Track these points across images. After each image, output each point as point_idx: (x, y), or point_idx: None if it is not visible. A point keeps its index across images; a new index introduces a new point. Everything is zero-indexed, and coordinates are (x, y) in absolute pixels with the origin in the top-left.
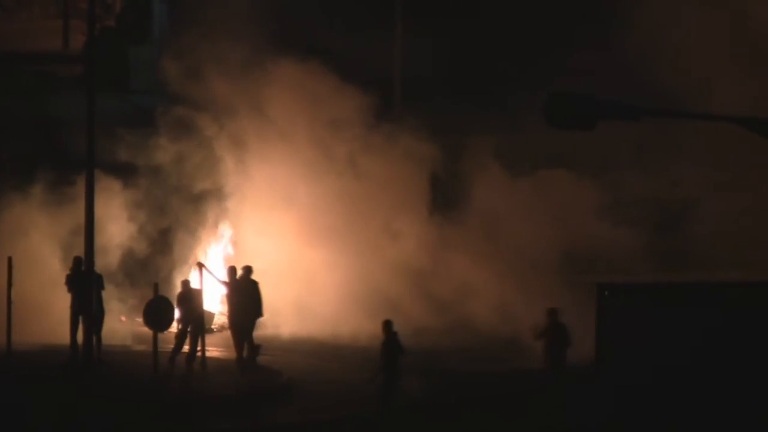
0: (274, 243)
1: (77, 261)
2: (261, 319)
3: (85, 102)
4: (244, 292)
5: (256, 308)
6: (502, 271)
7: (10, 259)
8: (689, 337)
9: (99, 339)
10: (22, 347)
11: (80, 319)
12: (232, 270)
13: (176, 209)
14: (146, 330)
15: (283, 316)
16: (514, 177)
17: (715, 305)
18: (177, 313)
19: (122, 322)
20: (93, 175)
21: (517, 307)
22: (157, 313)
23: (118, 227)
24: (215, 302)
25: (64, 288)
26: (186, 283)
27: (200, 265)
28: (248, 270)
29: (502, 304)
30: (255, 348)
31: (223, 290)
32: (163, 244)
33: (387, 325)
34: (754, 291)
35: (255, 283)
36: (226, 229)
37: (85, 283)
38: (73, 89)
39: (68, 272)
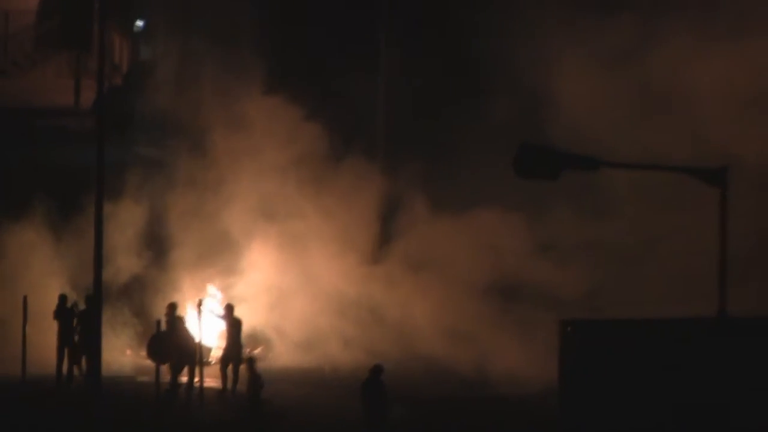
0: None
1: (62, 297)
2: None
3: (96, 151)
4: (234, 328)
5: (239, 343)
6: (444, 303)
7: (25, 298)
8: (649, 370)
9: (92, 368)
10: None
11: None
12: (229, 307)
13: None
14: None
15: (274, 346)
16: (455, 215)
17: (673, 339)
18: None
19: (127, 356)
20: (101, 216)
21: (459, 337)
22: (159, 347)
23: (125, 260)
24: (213, 337)
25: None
26: (171, 310)
27: (199, 302)
28: (230, 308)
29: (446, 332)
30: (258, 380)
31: (221, 325)
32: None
33: (375, 369)
34: (702, 325)
35: (239, 321)
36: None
37: (69, 318)
38: (84, 141)
39: (54, 308)
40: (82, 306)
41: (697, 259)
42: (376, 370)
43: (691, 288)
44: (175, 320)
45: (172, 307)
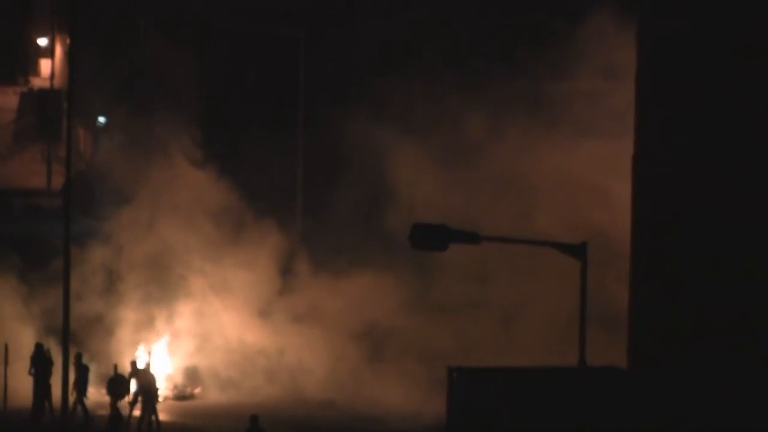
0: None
1: (38, 345)
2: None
3: (63, 224)
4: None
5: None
6: (327, 349)
7: (6, 346)
8: (526, 410)
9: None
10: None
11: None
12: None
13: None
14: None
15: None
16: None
17: (548, 384)
18: (133, 386)
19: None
20: (69, 279)
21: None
22: (118, 386)
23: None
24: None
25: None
26: (133, 363)
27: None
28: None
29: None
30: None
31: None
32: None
33: (253, 418)
34: (565, 372)
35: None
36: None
37: (44, 363)
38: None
39: (31, 354)
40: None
41: (561, 318)
42: (254, 419)
43: (556, 342)
44: (136, 369)
45: (133, 364)
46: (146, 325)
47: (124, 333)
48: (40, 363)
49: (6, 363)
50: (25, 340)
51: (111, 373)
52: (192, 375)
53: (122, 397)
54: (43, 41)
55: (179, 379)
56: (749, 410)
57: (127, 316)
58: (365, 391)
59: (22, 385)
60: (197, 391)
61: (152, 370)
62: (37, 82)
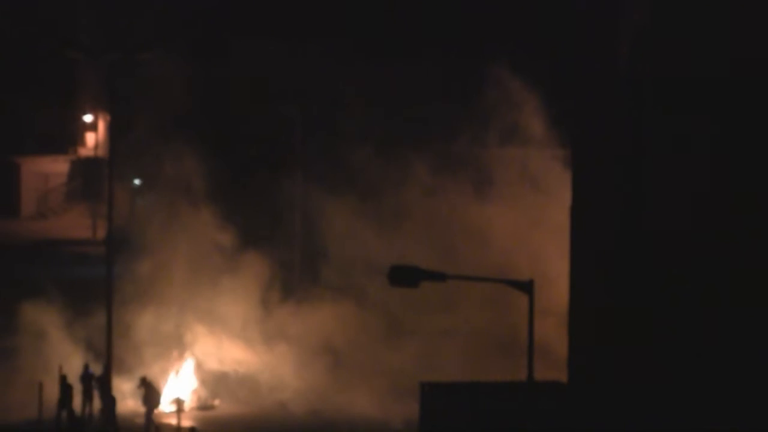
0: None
1: (85, 366)
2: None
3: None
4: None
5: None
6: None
7: (60, 367)
8: (496, 423)
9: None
10: None
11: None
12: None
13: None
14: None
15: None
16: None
17: (511, 399)
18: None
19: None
20: (111, 312)
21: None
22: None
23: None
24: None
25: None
26: (143, 379)
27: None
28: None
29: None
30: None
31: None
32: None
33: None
34: (519, 386)
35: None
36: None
37: (89, 380)
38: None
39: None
40: (98, 372)
41: (514, 343)
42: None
43: (506, 362)
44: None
45: (144, 380)
46: (166, 348)
47: (149, 354)
48: (86, 381)
49: (61, 381)
50: (74, 363)
51: (140, 385)
52: (212, 389)
53: (156, 406)
54: (88, 118)
55: (202, 393)
56: (688, 418)
57: (152, 339)
58: (339, 401)
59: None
60: (216, 402)
61: (156, 386)
62: (83, 152)
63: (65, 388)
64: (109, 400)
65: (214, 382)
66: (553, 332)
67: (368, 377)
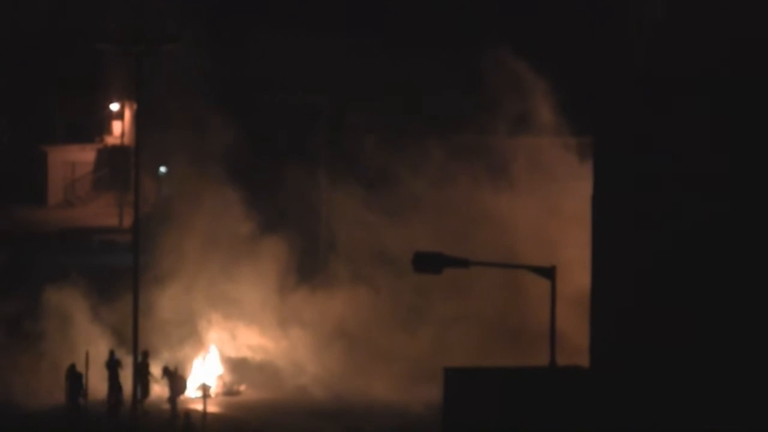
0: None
1: (111, 352)
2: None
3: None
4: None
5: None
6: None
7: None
8: (515, 405)
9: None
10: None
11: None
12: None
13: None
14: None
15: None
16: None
17: (529, 383)
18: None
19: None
20: (137, 299)
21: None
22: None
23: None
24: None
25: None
26: (165, 368)
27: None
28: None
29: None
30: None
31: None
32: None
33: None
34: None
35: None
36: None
37: (114, 367)
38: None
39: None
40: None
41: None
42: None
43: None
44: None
45: (166, 370)
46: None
47: (175, 338)
48: (113, 367)
49: (87, 367)
50: (100, 348)
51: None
52: (238, 374)
53: (181, 393)
54: (114, 107)
55: (227, 378)
56: (711, 406)
57: (176, 326)
58: (359, 386)
59: (99, 385)
60: (242, 388)
61: (181, 373)
62: (110, 141)
63: (74, 378)
64: (117, 388)
65: (234, 368)
66: (563, 318)
67: (384, 362)
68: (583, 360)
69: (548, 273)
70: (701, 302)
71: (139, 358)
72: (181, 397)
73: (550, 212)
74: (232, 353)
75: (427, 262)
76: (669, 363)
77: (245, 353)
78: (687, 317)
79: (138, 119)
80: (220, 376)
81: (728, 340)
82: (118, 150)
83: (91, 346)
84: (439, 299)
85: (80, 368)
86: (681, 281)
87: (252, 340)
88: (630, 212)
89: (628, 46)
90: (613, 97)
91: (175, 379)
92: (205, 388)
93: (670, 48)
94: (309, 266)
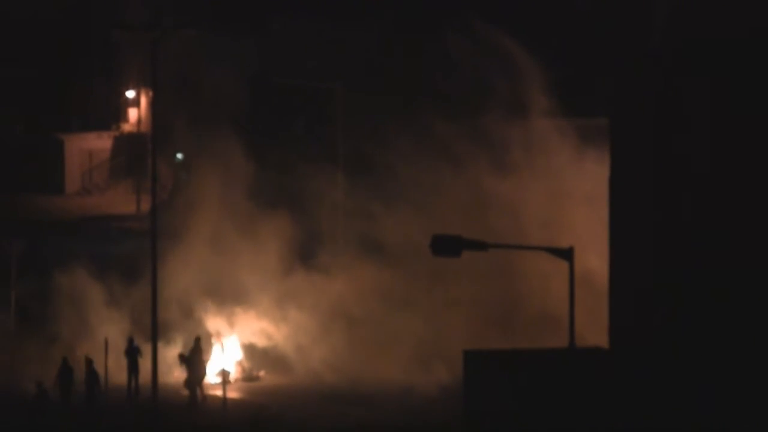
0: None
1: (130, 339)
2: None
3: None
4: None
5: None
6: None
7: (106, 341)
8: (535, 387)
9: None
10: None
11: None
12: (196, 339)
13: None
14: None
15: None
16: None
17: (549, 366)
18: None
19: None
20: (156, 285)
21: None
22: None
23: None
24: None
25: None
26: (181, 355)
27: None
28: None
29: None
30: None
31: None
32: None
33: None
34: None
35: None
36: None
37: (134, 353)
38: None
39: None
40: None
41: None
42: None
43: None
44: (185, 357)
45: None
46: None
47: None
48: (132, 354)
49: (106, 353)
50: (119, 335)
51: (180, 362)
52: (258, 360)
53: (201, 379)
54: (131, 94)
55: (246, 364)
56: (730, 390)
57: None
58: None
59: (118, 372)
60: (261, 374)
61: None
62: (126, 128)
63: (66, 371)
64: (136, 375)
65: (251, 354)
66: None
67: (388, 345)
68: (584, 340)
69: (566, 254)
70: (720, 282)
71: (126, 344)
72: (202, 383)
73: (552, 194)
74: (245, 339)
75: (445, 245)
76: (688, 343)
77: (257, 339)
78: (706, 297)
79: (154, 106)
80: (239, 362)
81: (748, 320)
82: (135, 137)
83: (109, 333)
84: (433, 283)
85: (98, 355)
86: (699, 261)
87: (258, 326)
88: (648, 193)
89: (646, 25)
90: (630, 76)
91: (192, 366)
92: (224, 374)
93: (689, 25)
94: (313, 251)
